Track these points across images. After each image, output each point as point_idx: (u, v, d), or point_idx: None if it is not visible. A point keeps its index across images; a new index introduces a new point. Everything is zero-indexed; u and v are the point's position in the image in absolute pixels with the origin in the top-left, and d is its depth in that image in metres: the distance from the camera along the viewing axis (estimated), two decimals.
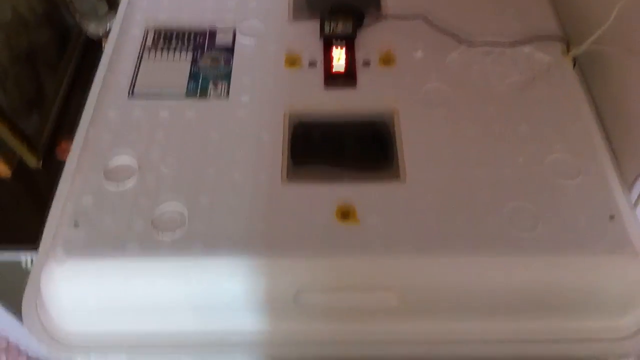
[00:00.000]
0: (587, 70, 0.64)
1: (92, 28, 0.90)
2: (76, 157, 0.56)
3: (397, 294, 0.48)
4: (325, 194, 0.51)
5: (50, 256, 0.49)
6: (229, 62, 0.62)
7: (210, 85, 0.59)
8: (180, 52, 0.62)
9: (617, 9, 0.53)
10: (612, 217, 0.49)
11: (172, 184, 0.52)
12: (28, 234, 0.55)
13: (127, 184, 0.52)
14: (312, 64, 0.61)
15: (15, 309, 0.70)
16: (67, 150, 0.60)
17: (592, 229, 0.49)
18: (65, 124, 0.82)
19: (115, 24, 0.69)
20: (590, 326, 0.49)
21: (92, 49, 0.89)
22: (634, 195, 0.55)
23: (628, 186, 0.56)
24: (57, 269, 0.48)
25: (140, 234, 0.49)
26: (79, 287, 0.49)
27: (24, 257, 0.70)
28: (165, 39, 0.64)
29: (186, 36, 0.64)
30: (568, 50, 0.61)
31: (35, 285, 0.51)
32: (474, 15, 0.65)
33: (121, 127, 0.56)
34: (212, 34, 0.64)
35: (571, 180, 0.51)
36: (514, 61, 0.60)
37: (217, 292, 0.48)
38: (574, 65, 0.61)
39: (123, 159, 0.54)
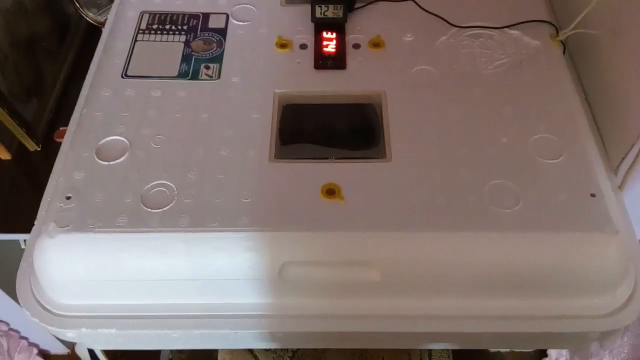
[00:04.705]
0: (575, 54, 0.65)
1: (92, 16, 0.91)
2: (71, 135, 0.58)
3: (379, 269, 0.49)
4: (311, 173, 0.52)
5: (42, 231, 0.50)
6: (221, 45, 0.63)
7: (202, 67, 0.60)
8: (174, 35, 0.63)
9: None
10: (593, 196, 0.50)
11: (162, 161, 0.53)
12: (27, 217, 0.56)
13: (118, 161, 0.53)
14: (303, 46, 0.62)
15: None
16: (64, 134, 0.61)
17: (573, 207, 0.49)
18: (65, 110, 0.83)
19: (112, 8, 0.70)
20: (572, 303, 0.50)
21: (93, 37, 0.90)
22: (620, 176, 0.56)
23: (613, 168, 0.56)
24: (49, 243, 0.50)
25: (130, 208, 0.50)
26: (69, 260, 0.50)
27: (23, 239, 0.72)
28: (160, 22, 0.65)
29: (180, 19, 0.65)
30: (557, 34, 0.62)
31: (29, 261, 0.53)
32: None
33: (114, 106, 0.57)
34: (206, 18, 0.65)
35: (554, 159, 0.52)
36: (502, 45, 0.61)
37: (204, 265, 0.49)
38: (564, 50, 0.62)
39: (115, 137, 0.55)
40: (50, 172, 0.59)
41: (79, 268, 0.50)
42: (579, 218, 0.49)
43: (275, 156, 0.54)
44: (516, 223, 0.48)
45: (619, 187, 0.56)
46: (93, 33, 0.92)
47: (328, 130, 0.57)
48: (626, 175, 0.55)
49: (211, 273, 0.50)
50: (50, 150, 0.78)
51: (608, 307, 0.50)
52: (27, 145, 0.78)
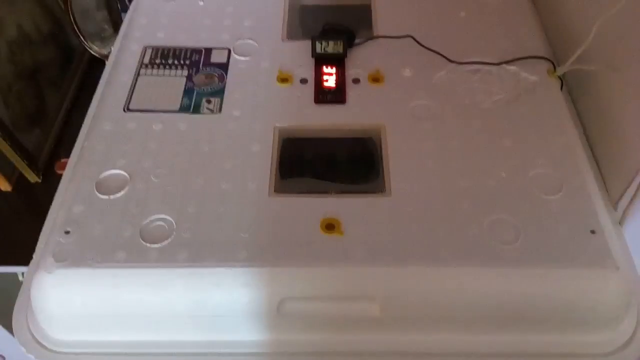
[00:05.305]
0: (573, 88, 0.65)
1: (97, 48, 0.93)
2: (72, 168, 0.58)
3: (379, 305, 0.49)
4: (311, 207, 0.52)
5: (40, 265, 0.50)
6: (222, 79, 0.63)
7: (204, 101, 0.61)
8: (176, 69, 0.64)
9: (595, 27, 0.54)
10: (593, 232, 0.49)
11: (161, 194, 0.53)
12: (27, 249, 0.56)
13: (118, 195, 0.53)
14: (303, 81, 0.63)
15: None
16: (65, 166, 0.61)
17: (573, 242, 0.49)
18: (67, 140, 0.83)
19: (116, 41, 0.71)
20: (572, 340, 0.49)
21: (96, 68, 0.91)
22: (620, 211, 0.56)
23: (613, 203, 0.56)
24: (47, 277, 0.49)
25: (129, 243, 0.50)
26: (67, 295, 0.49)
27: (22, 272, 0.71)
28: (162, 56, 0.66)
29: (182, 54, 0.66)
30: (554, 69, 0.63)
31: (27, 295, 0.52)
32: (462, 33, 0.66)
33: (115, 139, 0.58)
34: (208, 53, 0.66)
35: (553, 194, 0.52)
36: (500, 80, 0.61)
37: (202, 301, 0.49)
38: (562, 85, 0.63)
39: (115, 170, 0.55)
40: (51, 202, 0.59)
41: (77, 303, 0.50)
42: (579, 253, 0.49)
43: (275, 190, 0.54)
44: (516, 258, 0.48)
45: (619, 221, 0.55)
46: (96, 63, 0.93)
47: (328, 164, 0.57)
48: (626, 210, 0.55)
49: (209, 308, 0.49)
50: (51, 181, 0.78)
51: (610, 344, 0.50)
52: (28, 176, 0.78)
